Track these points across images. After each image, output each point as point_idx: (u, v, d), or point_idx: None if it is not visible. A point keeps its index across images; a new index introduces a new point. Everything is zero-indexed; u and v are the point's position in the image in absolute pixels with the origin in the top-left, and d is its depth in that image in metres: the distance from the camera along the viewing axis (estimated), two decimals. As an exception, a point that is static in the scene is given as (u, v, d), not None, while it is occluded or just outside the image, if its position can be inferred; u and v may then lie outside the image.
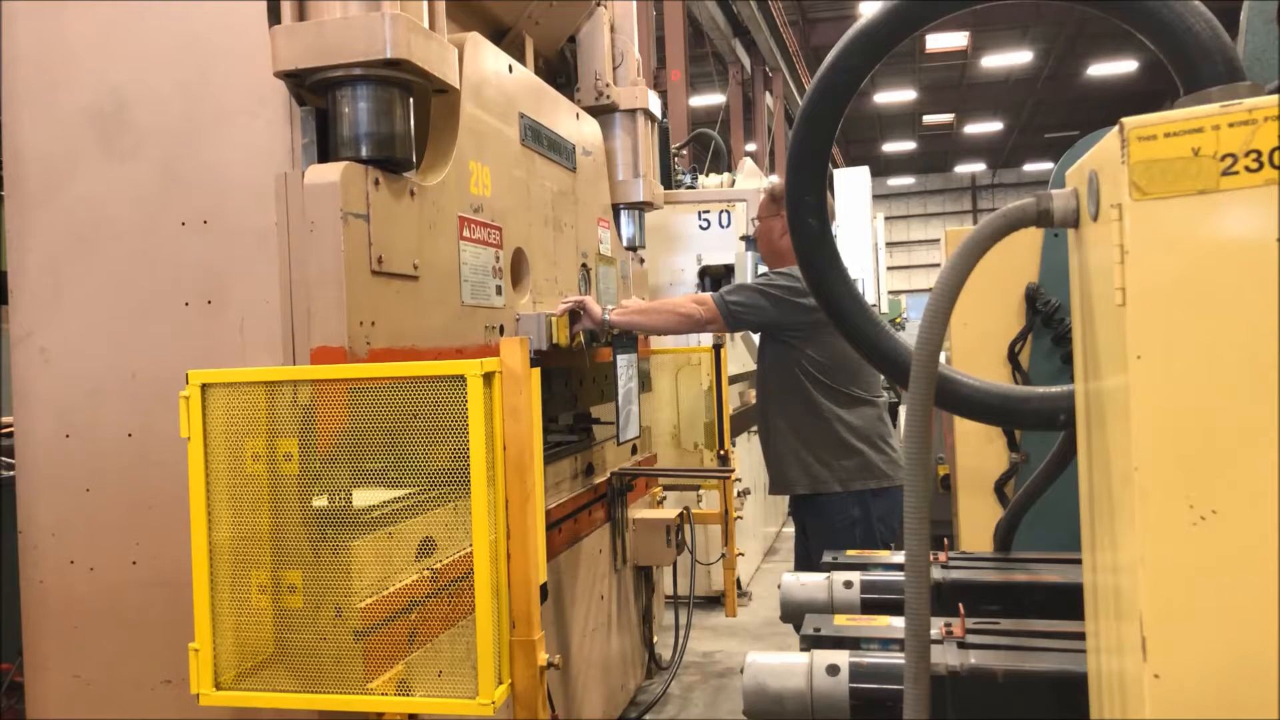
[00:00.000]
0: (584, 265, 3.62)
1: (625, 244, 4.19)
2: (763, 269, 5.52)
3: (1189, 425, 0.80)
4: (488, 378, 1.87)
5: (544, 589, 2.03)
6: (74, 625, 2.25)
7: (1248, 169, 0.81)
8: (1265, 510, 0.78)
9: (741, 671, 1.35)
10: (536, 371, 2.02)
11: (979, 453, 2.26)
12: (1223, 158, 0.81)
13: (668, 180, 5.87)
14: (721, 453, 4.56)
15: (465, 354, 2.55)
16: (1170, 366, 0.81)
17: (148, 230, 2.23)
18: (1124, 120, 0.84)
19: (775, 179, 3.78)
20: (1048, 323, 2.20)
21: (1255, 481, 0.78)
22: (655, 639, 4.48)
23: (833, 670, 1.28)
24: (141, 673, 2.20)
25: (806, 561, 3.45)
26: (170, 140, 2.22)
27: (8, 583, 2.38)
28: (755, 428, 6.31)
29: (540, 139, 3.17)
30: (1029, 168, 34.11)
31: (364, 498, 2.02)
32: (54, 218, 2.29)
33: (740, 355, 6.04)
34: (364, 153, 2.14)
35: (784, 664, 1.31)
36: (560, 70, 3.92)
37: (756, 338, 6.15)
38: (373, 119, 2.14)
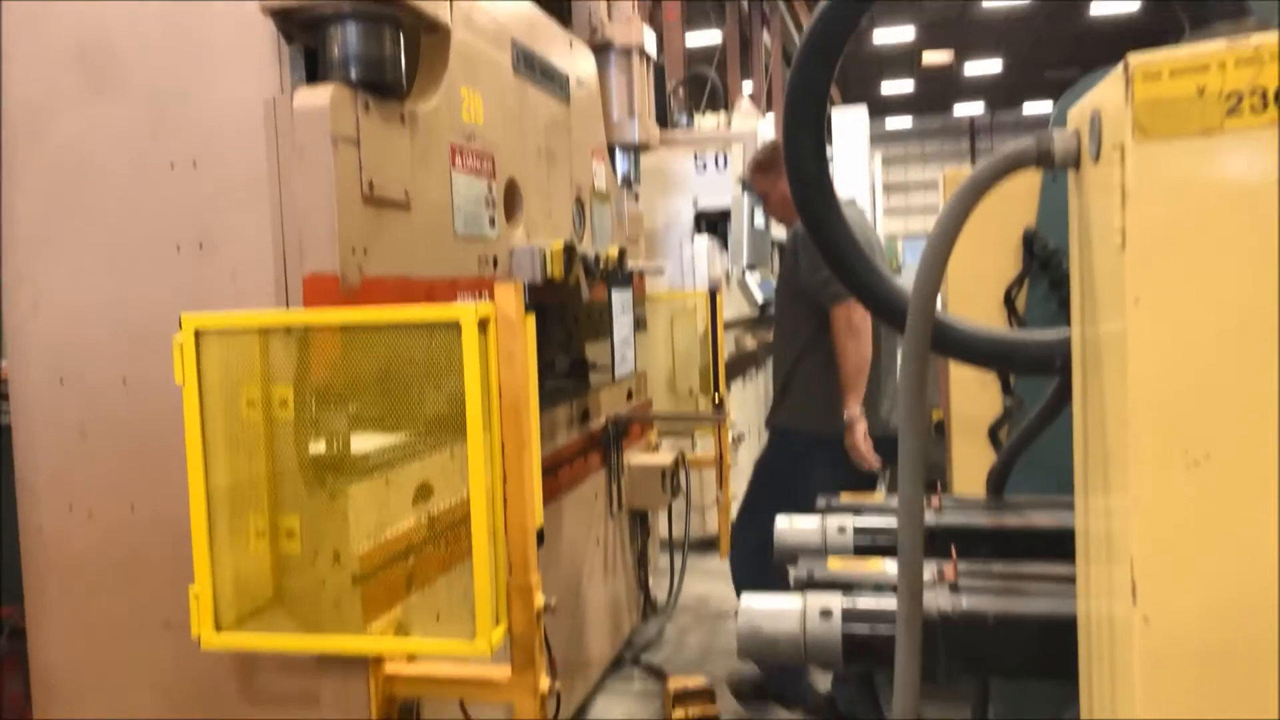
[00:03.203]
0: (578, 199, 3.58)
1: (620, 179, 4.14)
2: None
3: (1185, 370, 0.80)
4: (483, 323, 1.86)
5: (540, 534, 2.04)
6: (74, 570, 2.27)
7: (1252, 108, 0.79)
8: (1259, 454, 0.77)
9: (735, 614, 1.37)
10: (531, 317, 2.01)
11: (973, 398, 2.27)
12: (1228, 96, 0.79)
13: (663, 120, 5.79)
14: (716, 398, 4.57)
15: (459, 285, 2.53)
16: (1168, 311, 0.80)
17: (136, 173, 2.20)
18: (1129, 58, 0.82)
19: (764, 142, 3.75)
20: (1045, 267, 2.19)
21: (1250, 426, 0.78)
22: (650, 582, 4.54)
23: (825, 614, 1.29)
24: (143, 616, 2.22)
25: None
26: (157, 80, 2.18)
27: (7, 528, 2.39)
28: (750, 372, 6.33)
29: (533, 67, 3.11)
30: (1028, 109, 33.72)
31: (361, 443, 2.03)
32: (41, 161, 2.26)
33: (736, 301, 6.02)
34: (353, 75, 2.10)
35: (777, 607, 1.32)
36: (553, 9, 3.84)
37: (758, 288, 6.10)
38: (361, 41, 2.11)
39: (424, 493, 2.08)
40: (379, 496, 2.01)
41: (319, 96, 2.03)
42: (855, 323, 3.24)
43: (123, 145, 2.20)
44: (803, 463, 3.33)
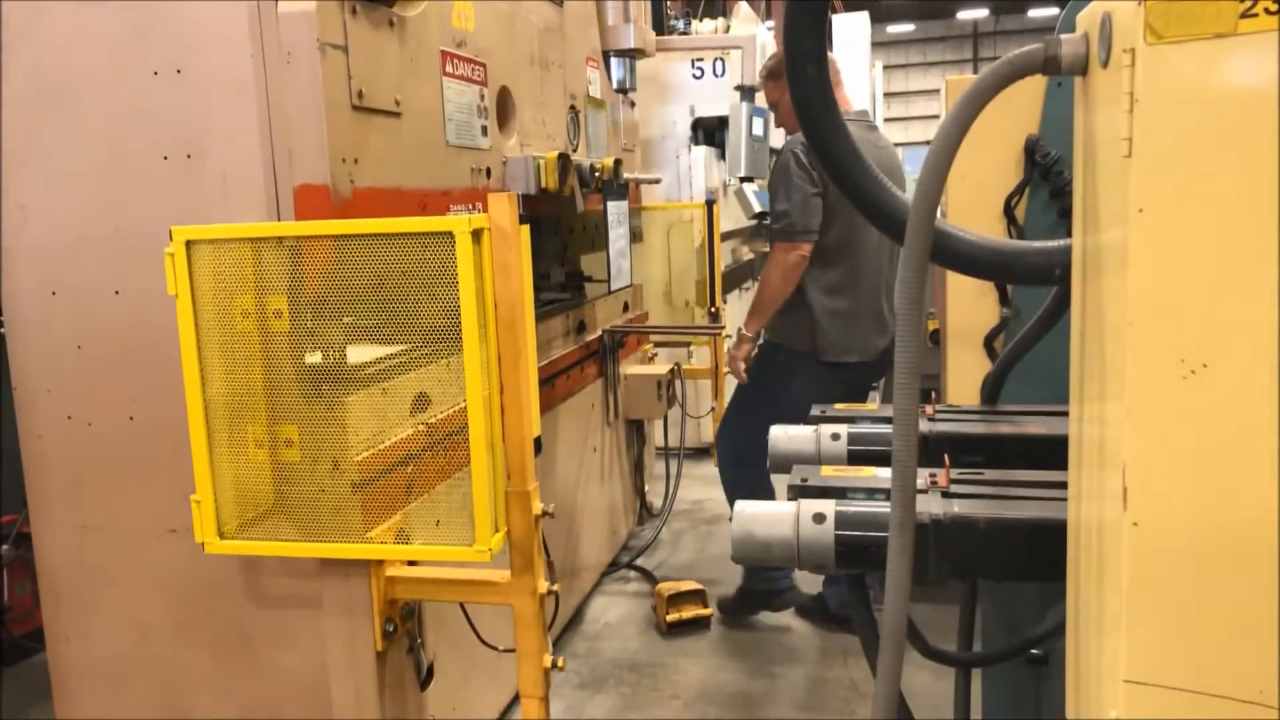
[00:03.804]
0: (572, 108, 3.52)
1: (615, 87, 4.06)
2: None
3: (1186, 280, 0.80)
4: (476, 234, 1.85)
5: (538, 442, 2.07)
6: (76, 479, 2.29)
7: (1267, 10, 0.77)
8: (1257, 365, 0.78)
9: (730, 519, 1.39)
10: (526, 228, 1.99)
11: (970, 307, 2.26)
12: (1243, -2, 0.77)
13: (660, 26, 5.64)
14: (713, 309, 4.57)
15: (452, 197, 2.51)
16: (1172, 220, 0.80)
17: (119, 80, 2.14)
18: (1143, -44, 0.79)
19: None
20: (1046, 176, 2.16)
21: (1249, 337, 0.78)
22: (647, 488, 4.62)
23: (819, 518, 1.32)
24: (147, 522, 2.26)
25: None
26: (136, -17, 2.11)
27: (8, 435, 2.41)
28: (747, 283, 6.32)
29: None
30: (1034, 13, 32.87)
31: (357, 354, 2.03)
32: (22, 67, 2.20)
33: (733, 211, 5.96)
34: None
35: (771, 512, 1.35)
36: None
37: (755, 198, 6.03)
38: None
39: (422, 402, 2.09)
40: (376, 406, 2.02)
41: (305, 1, 1.97)
42: (790, 265, 3.31)
43: (105, 52, 2.14)
44: (784, 374, 3.41)
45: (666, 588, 3.69)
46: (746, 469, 3.47)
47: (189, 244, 1.93)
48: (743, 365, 3.48)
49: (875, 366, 3.50)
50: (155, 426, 2.21)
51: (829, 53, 1.39)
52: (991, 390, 1.79)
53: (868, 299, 3.45)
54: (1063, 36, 1.01)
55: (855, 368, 3.45)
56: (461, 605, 2.34)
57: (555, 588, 2.08)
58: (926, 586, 1.28)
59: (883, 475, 1.44)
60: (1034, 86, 2.14)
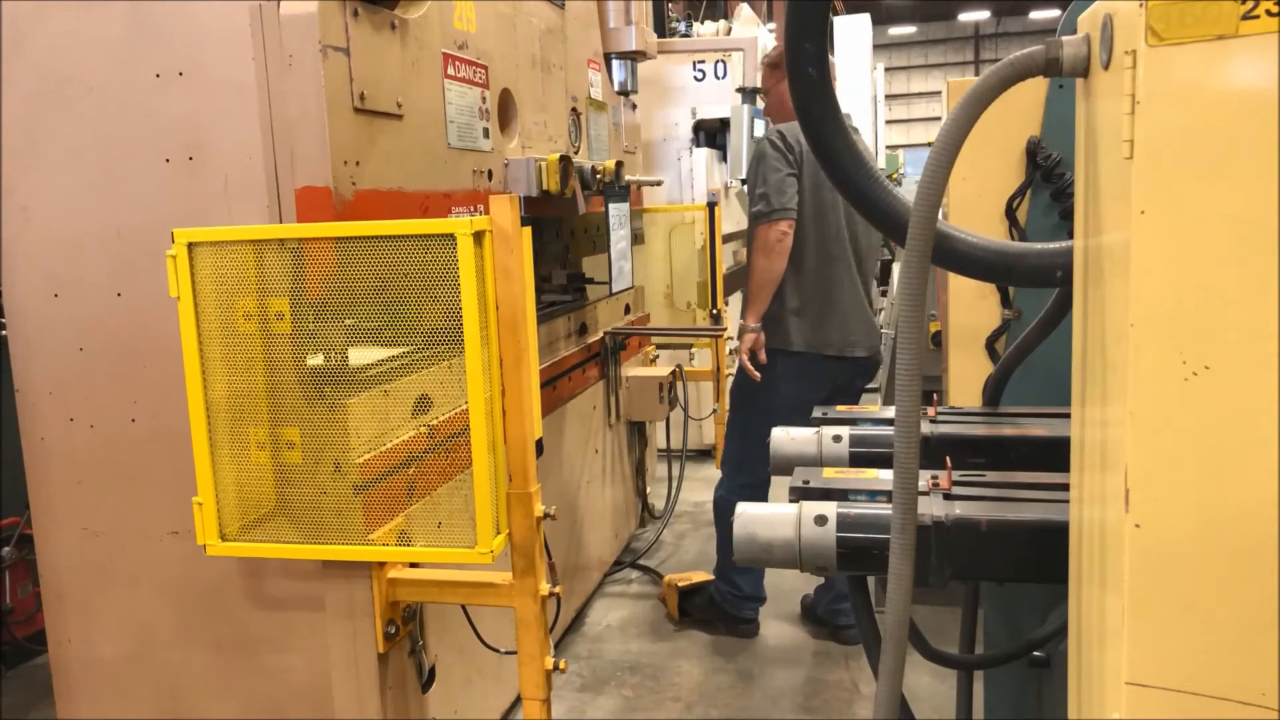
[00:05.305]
0: (574, 110, 3.52)
1: (617, 89, 4.06)
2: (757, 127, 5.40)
3: (1188, 282, 0.80)
4: (478, 236, 1.85)
5: (539, 444, 2.07)
6: (78, 481, 2.29)
7: (1269, 12, 0.77)
8: (1258, 368, 0.78)
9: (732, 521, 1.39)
10: (528, 230, 1.99)
11: (971, 309, 2.26)
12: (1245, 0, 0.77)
13: (661, 28, 5.64)
14: (714, 312, 4.57)
15: (454, 199, 2.51)
16: (1174, 222, 0.80)
17: (120, 82, 2.15)
18: (1144, -41, 0.79)
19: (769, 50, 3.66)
20: (1047, 178, 2.16)
21: (1249, 339, 0.78)
22: (648, 490, 4.62)
23: (820, 520, 1.32)
24: (149, 525, 2.26)
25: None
26: (138, -15, 2.11)
27: (10, 437, 2.41)
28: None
29: None
30: (1036, 15, 32.87)
31: (359, 356, 2.03)
32: (23, 68, 2.20)
33: (734, 213, 5.96)
34: None
35: (773, 514, 1.35)
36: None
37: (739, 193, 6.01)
38: None
39: (423, 404, 2.09)
40: (378, 408, 2.02)
41: (307, 3, 1.97)
42: (771, 242, 3.25)
43: (106, 54, 2.15)
44: (768, 375, 3.35)
45: (677, 577, 3.72)
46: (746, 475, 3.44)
47: (191, 246, 1.93)
48: (748, 356, 3.34)
49: (863, 365, 3.44)
50: (157, 428, 2.21)
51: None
52: (993, 392, 1.79)
53: (844, 292, 3.40)
54: (1064, 38, 1.01)
55: (837, 363, 3.39)
56: (463, 607, 2.34)
57: (557, 590, 2.08)
58: (928, 588, 1.28)
59: (884, 477, 1.44)
60: (1035, 88, 2.14)
